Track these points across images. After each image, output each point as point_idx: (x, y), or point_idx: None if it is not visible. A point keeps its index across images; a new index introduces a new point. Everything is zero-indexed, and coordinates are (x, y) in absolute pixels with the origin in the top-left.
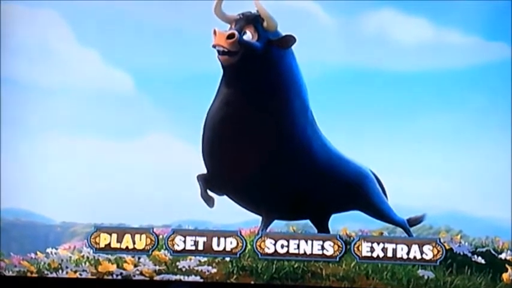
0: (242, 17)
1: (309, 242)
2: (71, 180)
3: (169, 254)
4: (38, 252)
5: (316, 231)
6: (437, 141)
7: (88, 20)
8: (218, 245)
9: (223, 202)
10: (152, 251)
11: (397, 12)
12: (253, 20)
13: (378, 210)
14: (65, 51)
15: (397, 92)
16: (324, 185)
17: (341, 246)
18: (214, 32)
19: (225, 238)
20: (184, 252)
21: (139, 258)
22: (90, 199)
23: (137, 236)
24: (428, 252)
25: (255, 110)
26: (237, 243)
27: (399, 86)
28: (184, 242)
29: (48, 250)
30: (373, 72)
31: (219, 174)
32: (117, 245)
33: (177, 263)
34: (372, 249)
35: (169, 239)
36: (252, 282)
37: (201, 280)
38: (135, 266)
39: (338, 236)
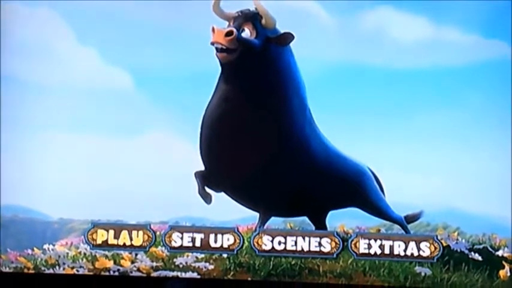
0: (240, 15)
1: (307, 238)
2: (68, 177)
3: (166, 251)
4: (35, 249)
5: (313, 228)
6: (435, 139)
7: (87, 19)
8: (215, 242)
9: (220, 199)
10: (149, 247)
11: (396, 10)
12: (252, 18)
13: (376, 207)
14: (64, 49)
15: (396, 90)
16: (321, 182)
17: (338, 243)
18: (213, 30)
19: (223, 235)
20: (182, 248)
21: (136, 254)
22: (87, 196)
23: (134, 233)
24: (426, 249)
25: (253, 108)
26: (235, 240)
27: (398, 84)
28: (182, 238)
29: (45, 246)
30: (372, 70)
31: (217, 171)
32: (114, 242)
33: (174, 260)
34: (369, 246)
35: (167, 236)
36: (249, 279)
37: (198, 276)
38: (132, 262)
39: (335, 233)
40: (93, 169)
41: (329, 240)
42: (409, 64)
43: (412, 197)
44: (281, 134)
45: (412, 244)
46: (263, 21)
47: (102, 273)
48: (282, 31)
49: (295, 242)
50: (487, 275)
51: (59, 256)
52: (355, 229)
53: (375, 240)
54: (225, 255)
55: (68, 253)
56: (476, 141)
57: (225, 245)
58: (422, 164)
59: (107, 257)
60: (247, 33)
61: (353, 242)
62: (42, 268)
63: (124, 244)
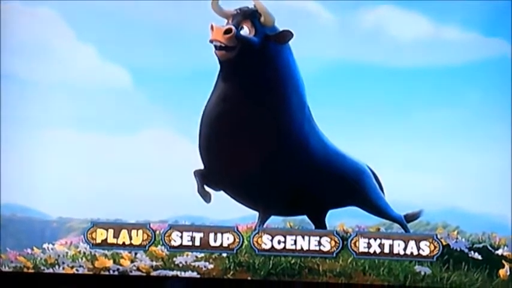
0: (239, 12)
1: (306, 237)
2: (67, 175)
3: (166, 250)
4: (34, 248)
5: (313, 227)
6: (434, 137)
7: (86, 17)
8: (215, 241)
9: (220, 198)
10: (149, 246)
11: (395, 8)
12: (251, 15)
13: (375, 206)
14: (63, 48)
15: (395, 88)
16: (320, 181)
17: (338, 242)
18: (212, 27)
19: (222, 234)
20: (181, 247)
21: (135, 253)
22: (86, 194)
23: (134, 232)
24: (425, 248)
25: (252, 106)
26: (234, 239)
27: (397, 82)
28: (181, 237)
29: (45, 245)
30: (371, 68)
31: (216, 169)
32: (114, 241)
33: (174, 259)
34: (369, 245)
35: (166, 235)
36: (249, 278)
37: (198, 276)
38: (132, 261)
39: (335, 232)
40: (92, 168)
41: (329, 239)
42: (409, 62)
43: (411, 195)
44: (280, 132)
45: (411, 243)
46: (262, 19)
47: (102, 272)
48: (280, 29)
49: (295, 241)
50: (487, 274)
51: (59, 255)
52: (355, 228)
53: (375, 239)
54: (224, 255)
55: (67, 252)
56: (476, 140)
57: (225, 244)
58: (421, 162)
59: (106, 256)
60: (246, 31)
61: (353, 241)
62: (42, 267)
63: (123, 243)
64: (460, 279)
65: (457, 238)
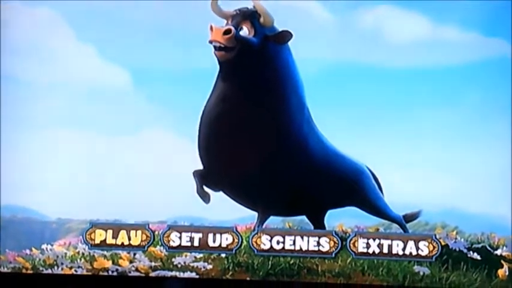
0: (239, 13)
1: (305, 238)
2: (66, 176)
3: (164, 250)
4: (33, 249)
5: (312, 227)
6: (433, 137)
7: (86, 18)
8: (214, 241)
9: (219, 198)
10: (148, 247)
11: (395, 8)
12: (250, 16)
13: (374, 206)
14: (62, 48)
15: (395, 89)
16: (319, 181)
17: (337, 242)
18: (211, 28)
19: (221, 234)
20: (180, 248)
21: (134, 254)
22: (85, 195)
23: (133, 232)
24: (424, 249)
25: (252, 106)
26: (233, 240)
27: (397, 82)
28: (180, 238)
29: (44, 246)
30: (370, 68)
31: (215, 170)
32: (113, 241)
33: (173, 259)
34: (368, 246)
35: (165, 235)
36: (248, 279)
37: (197, 276)
38: (131, 262)
39: (334, 232)
40: (91, 169)
41: (328, 240)
42: (408, 63)
43: (410, 196)
44: (279, 132)
45: (410, 243)
46: (261, 19)
47: (101, 273)
48: (280, 29)
49: (294, 242)
50: (486, 274)
51: (57, 256)
52: (354, 228)
53: (374, 240)
54: (223, 255)
55: (66, 253)
56: (475, 140)
57: (224, 245)
58: (420, 163)
59: (105, 256)
60: (245, 31)
61: (351, 242)
62: (41, 268)
63: (122, 244)
64: (459, 279)
65: (456, 238)
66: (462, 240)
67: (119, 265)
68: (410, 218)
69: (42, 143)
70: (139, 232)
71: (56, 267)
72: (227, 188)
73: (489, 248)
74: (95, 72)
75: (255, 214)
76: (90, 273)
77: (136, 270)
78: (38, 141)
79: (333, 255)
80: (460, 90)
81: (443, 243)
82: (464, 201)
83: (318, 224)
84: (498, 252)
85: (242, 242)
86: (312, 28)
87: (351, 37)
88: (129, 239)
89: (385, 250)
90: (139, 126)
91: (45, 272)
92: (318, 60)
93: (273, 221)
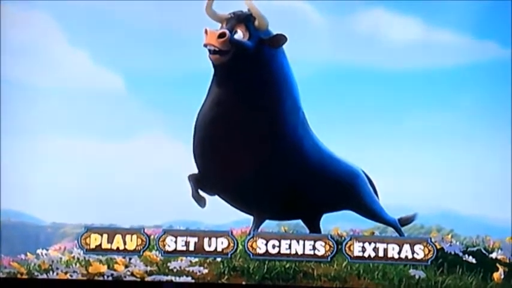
0: (233, 16)
1: (301, 242)
2: (60, 180)
3: (160, 255)
4: (28, 253)
5: (307, 231)
6: (428, 140)
7: (80, 22)
8: (209, 246)
9: (214, 202)
10: (143, 251)
11: (389, 11)
12: (245, 19)
13: (369, 209)
14: (57, 53)
15: (389, 91)
16: (315, 185)
17: (332, 246)
18: (206, 31)
19: (217, 238)
20: (176, 252)
21: (130, 259)
22: (80, 199)
23: (128, 237)
24: (420, 252)
25: (246, 110)
26: (229, 244)
27: (391, 85)
28: (176, 242)
29: (39, 251)
30: (365, 71)
31: (210, 174)
32: (108, 246)
33: (168, 264)
34: (364, 249)
35: (161, 240)
36: (244, 283)
37: (193, 281)
38: (126, 266)
39: (329, 236)
40: (86, 173)
41: (323, 244)
42: (402, 66)
43: (405, 199)
44: (274, 136)
45: (406, 247)
46: (256, 22)
47: (96, 278)
48: (274, 33)
49: (290, 246)
50: (481, 278)
51: (53, 261)
52: (349, 232)
53: (369, 243)
54: (219, 259)
55: (61, 258)
56: (469, 143)
57: (219, 249)
58: (415, 166)
59: (100, 261)
60: (240, 35)
61: (347, 245)
62: (36, 273)
63: (118, 248)
64: (454, 282)
65: (451, 241)
66: (457, 243)
67: (115, 270)
68: (406, 221)
69: (36, 147)
70: (134, 236)
71: (51, 272)
72: (222, 192)
73: (484, 251)
74: (88, 76)
75: (251, 218)
76: (85, 278)
77: (132, 274)
78: (32, 145)
79: (329, 259)
80: (454, 93)
81: (438, 247)
82: (459, 204)
83: (314, 227)
84: (493, 255)
85: (238, 246)
86: (307, 31)
87: (345, 40)
88: (125, 243)
89: (381, 254)
90: (134, 131)
91: (40, 277)
92: (312, 63)
93: (269, 225)
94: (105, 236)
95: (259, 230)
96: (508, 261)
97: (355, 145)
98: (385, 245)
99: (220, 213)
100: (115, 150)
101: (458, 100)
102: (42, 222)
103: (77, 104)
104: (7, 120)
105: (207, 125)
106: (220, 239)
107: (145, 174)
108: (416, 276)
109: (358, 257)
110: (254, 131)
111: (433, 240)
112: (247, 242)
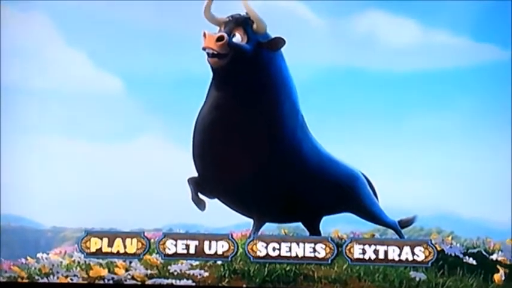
0: (232, 20)
1: (301, 244)
2: (60, 184)
3: (160, 258)
4: (28, 258)
5: (307, 233)
6: (428, 143)
7: (79, 24)
8: (210, 249)
9: (214, 205)
10: (143, 255)
11: (387, 13)
12: (243, 22)
13: (369, 212)
14: (56, 55)
15: (388, 93)
16: (315, 187)
17: (333, 248)
18: (204, 35)
19: (217, 241)
20: (176, 256)
21: (130, 262)
22: (80, 203)
23: (128, 240)
24: (420, 254)
25: (245, 113)
26: (229, 247)
27: (389, 87)
28: (176, 245)
29: (39, 255)
30: (364, 73)
31: (210, 177)
32: (108, 250)
33: (169, 267)
34: (364, 251)
35: (161, 243)
36: (244, 286)
37: (193, 284)
38: (127, 270)
39: (330, 239)
40: (86, 176)
41: (323, 246)
42: (401, 68)
43: (405, 201)
44: (273, 139)
45: (406, 249)
46: (254, 26)
47: (96, 281)
48: (273, 36)
49: (290, 248)
50: (482, 279)
51: (53, 265)
52: (350, 234)
53: (369, 246)
54: (219, 262)
55: (61, 262)
56: (469, 145)
57: (220, 252)
58: (415, 168)
59: (101, 265)
60: (238, 38)
61: (347, 248)
62: (36, 277)
63: (118, 252)
64: (455, 284)
65: (451, 243)
66: (458, 245)
67: (115, 273)
68: (406, 223)
69: (36, 151)
70: (134, 240)
71: (51, 276)
72: (222, 195)
73: (485, 253)
74: (88, 79)
75: (251, 221)
76: (86, 282)
77: (132, 278)
78: (32, 149)
79: (329, 261)
80: (456, 94)
81: (439, 249)
82: (459, 206)
83: (314, 230)
84: (494, 257)
85: (238, 249)
86: (305, 34)
87: (343, 42)
88: (125, 247)
89: (381, 256)
90: (134, 134)
91: (41, 281)
92: (311, 66)
93: (269, 228)
94: (105, 239)
95: (259, 232)
96: (508, 262)
97: (355, 147)
98: (385, 247)
99: (220, 216)
100: (115, 153)
101: (458, 102)
102: (42, 227)
103: (78, 107)
104: (7, 124)
105: (206, 128)
106: (220, 242)
107: (145, 177)
108: (417, 278)
109: (358, 259)
110: (253, 134)
111: (433, 242)
112: (248, 245)
